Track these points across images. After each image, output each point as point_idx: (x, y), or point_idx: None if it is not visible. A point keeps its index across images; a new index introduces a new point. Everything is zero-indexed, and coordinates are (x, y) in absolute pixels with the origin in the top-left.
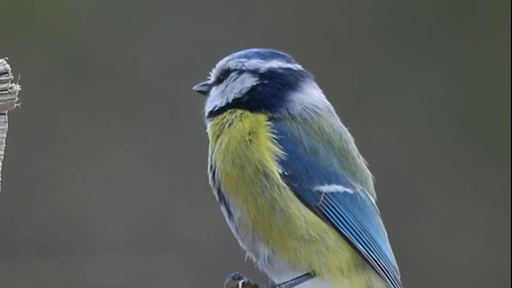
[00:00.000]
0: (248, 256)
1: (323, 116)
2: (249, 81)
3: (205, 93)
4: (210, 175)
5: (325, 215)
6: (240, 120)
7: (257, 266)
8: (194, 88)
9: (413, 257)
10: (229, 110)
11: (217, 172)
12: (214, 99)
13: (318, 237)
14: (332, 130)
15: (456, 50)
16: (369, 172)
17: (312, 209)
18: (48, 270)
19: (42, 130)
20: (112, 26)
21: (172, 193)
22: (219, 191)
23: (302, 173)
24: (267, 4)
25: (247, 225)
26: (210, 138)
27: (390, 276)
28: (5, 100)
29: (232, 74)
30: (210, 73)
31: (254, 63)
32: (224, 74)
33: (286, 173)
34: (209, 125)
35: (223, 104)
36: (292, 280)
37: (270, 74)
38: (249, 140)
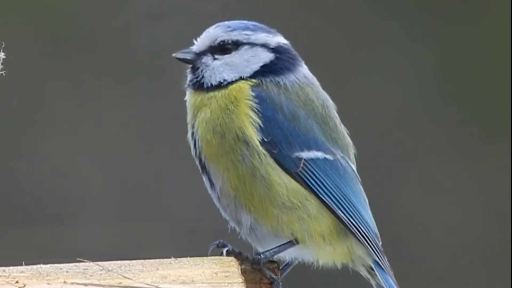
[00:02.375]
0: (231, 227)
1: (309, 85)
2: (265, 56)
3: (191, 61)
4: (191, 144)
5: (305, 182)
6: (226, 90)
7: (241, 235)
8: (175, 55)
9: (394, 221)
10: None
11: (198, 140)
12: (221, 71)
13: (299, 204)
14: (315, 97)
15: (440, 15)
16: (350, 140)
17: (292, 175)
18: (33, 238)
19: (26, 99)
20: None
21: (157, 162)
22: (200, 160)
23: (281, 139)
24: None
25: (229, 194)
26: (190, 107)
27: (371, 242)
28: None
29: (245, 47)
30: (195, 41)
31: (262, 36)
32: (232, 45)
33: (265, 140)
34: (201, 96)
35: (236, 77)
36: (275, 247)
37: (281, 49)
38: (231, 108)
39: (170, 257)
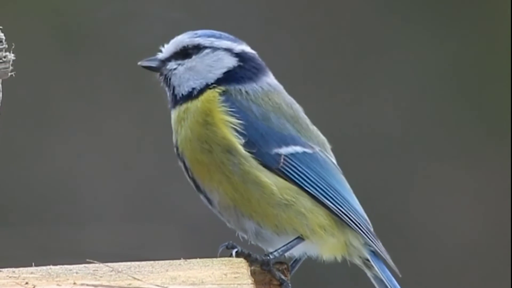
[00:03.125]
0: (239, 235)
1: (273, 91)
2: (229, 60)
3: (156, 69)
4: (182, 166)
5: (289, 177)
6: (197, 102)
7: (250, 242)
8: (140, 63)
9: (404, 224)
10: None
11: (186, 162)
12: (186, 78)
13: (294, 200)
14: (282, 101)
15: (448, 14)
16: (324, 137)
17: (276, 173)
18: (43, 239)
19: (34, 99)
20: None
21: (166, 162)
22: (193, 180)
23: (258, 138)
24: None
25: (228, 206)
26: (174, 124)
27: (362, 228)
28: (0, 69)
29: (206, 50)
30: (161, 49)
31: (225, 42)
32: (192, 50)
33: (244, 141)
34: (178, 110)
35: (202, 84)
36: (283, 246)
37: (245, 56)
38: (210, 121)
39: (179, 258)
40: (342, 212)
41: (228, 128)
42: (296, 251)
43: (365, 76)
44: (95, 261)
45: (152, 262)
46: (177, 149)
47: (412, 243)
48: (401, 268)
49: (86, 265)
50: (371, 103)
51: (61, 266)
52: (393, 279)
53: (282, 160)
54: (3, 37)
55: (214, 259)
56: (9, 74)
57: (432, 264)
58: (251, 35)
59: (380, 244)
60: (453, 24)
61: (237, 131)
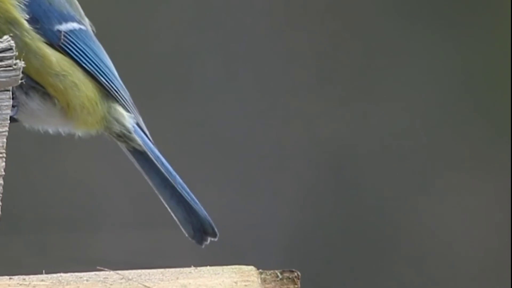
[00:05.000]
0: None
1: None
2: None
3: None
4: None
5: (67, 52)
6: None
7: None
8: None
9: (416, 232)
10: None
11: None
12: None
13: (70, 72)
14: None
15: (462, 23)
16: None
17: (56, 48)
18: (53, 247)
19: None
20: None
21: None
22: None
23: (41, 14)
24: None
25: None
26: None
27: (127, 102)
28: (10, 77)
29: None
30: None
31: None
32: None
33: (28, 17)
34: None
35: None
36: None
37: None
38: None
39: (190, 266)
40: (112, 86)
41: (12, 3)
42: (50, 125)
43: (377, 83)
44: (106, 269)
45: (162, 270)
46: None
47: (424, 251)
48: (413, 276)
49: (97, 272)
50: (385, 109)
51: (71, 273)
52: (155, 150)
53: (62, 36)
54: (13, 45)
55: (225, 267)
56: (19, 81)
57: (444, 273)
58: (264, 36)
59: (141, 118)
60: (468, 30)
61: (20, 7)
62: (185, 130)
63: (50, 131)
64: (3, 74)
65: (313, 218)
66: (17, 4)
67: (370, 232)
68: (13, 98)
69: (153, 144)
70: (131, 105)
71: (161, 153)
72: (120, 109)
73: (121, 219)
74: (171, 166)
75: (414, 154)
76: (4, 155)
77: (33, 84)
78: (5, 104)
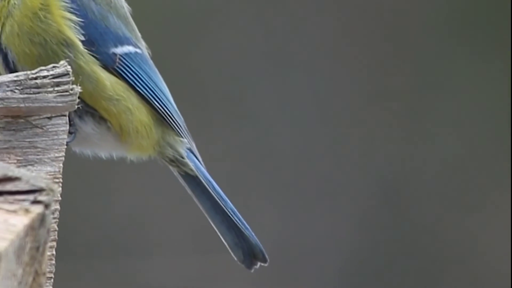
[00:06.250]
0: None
1: None
2: None
3: None
4: None
5: (121, 76)
6: None
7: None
8: None
9: (475, 257)
10: None
11: (10, 54)
12: None
13: (124, 95)
14: (115, 0)
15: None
16: None
17: (111, 71)
18: (108, 272)
19: None
20: (176, 24)
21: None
22: (15, 71)
23: (97, 37)
24: (326, 2)
25: None
26: None
27: (181, 127)
28: (66, 102)
29: None
30: None
31: None
32: None
33: (84, 39)
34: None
35: None
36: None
37: None
38: (43, 15)
39: None
40: (166, 111)
41: (67, 24)
42: (104, 148)
43: (430, 108)
44: None
45: None
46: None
47: (482, 276)
48: None
49: None
50: (436, 132)
51: None
52: (207, 174)
53: (117, 59)
54: (70, 70)
55: None
56: (76, 106)
57: None
58: (320, 58)
59: (194, 145)
60: None
61: (76, 28)
62: (239, 152)
63: (103, 156)
64: (59, 99)
65: (370, 242)
66: (72, 25)
67: (428, 255)
68: (70, 125)
69: (205, 168)
70: (184, 130)
71: (213, 177)
72: (174, 134)
73: (173, 244)
74: (223, 190)
75: (468, 178)
76: (61, 180)
77: (87, 109)
78: (61, 129)
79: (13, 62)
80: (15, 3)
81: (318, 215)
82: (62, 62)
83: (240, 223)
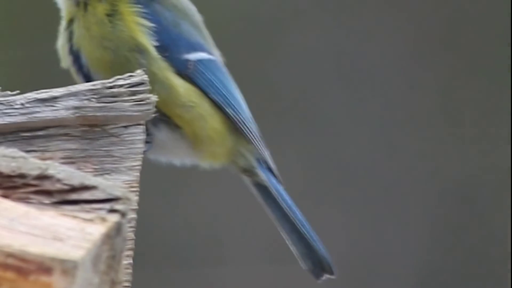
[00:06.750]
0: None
1: None
2: None
3: None
4: (69, 59)
5: (194, 82)
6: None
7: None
8: None
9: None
10: None
11: (83, 58)
12: None
13: (197, 102)
14: (188, 7)
15: None
16: None
17: (183, 77)
18: (180, 282)
19: None
20: (248, 33)
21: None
22: (87, 76)
23: (170, 43)
24: (398, 11)
25: None
26: (65, 19)
27: (254, 136)
28: (142, 111)
29: None
30: None
31: None
32: None
33: (156, 45)
34: (65, 5)
35: None
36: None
37: None
38: (112, 20)
39: None
40: (239, 119)
41: (140, 29)
42: (180, 156)
43: (500, 111)
44: None
45: None
46: (72, 46)
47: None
48: None
49: None
50: (505, 138)
51: None
52: (278, 185)
53: (190, 65)
54: (146, 79)
55: None
56: (152, 115)
57: None
58: (389, 69)
59: (268, 154)
60: None
61: (149, 34)
62: (309, 163)
63: (177, 163)
64: (135, 108)
65: (440, 253)
66: (145, 31)
67: (499, 266)
68: (147, 134)
69: (277, 179)
70: (258, 139)
71: (284, 187)
72: (247, 142)
73: (247, 254)
74: (293, 201)
75: None
76: (138, 189)
77: (161, 116)
78: (137, 138)
79: (86, 66)
80: (86, 8)
81: (387, 225)
82: (138, 71)
83: (309, 235)
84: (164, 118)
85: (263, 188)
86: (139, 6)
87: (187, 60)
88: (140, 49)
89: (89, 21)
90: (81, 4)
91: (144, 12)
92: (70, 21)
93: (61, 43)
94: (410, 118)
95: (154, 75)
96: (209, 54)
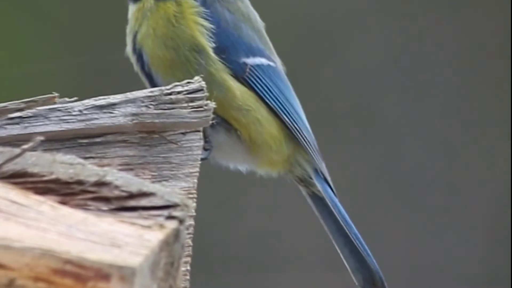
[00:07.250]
0: None
1: (243, 2)
2: None
3: None
4: (133, 58)
5: (251, 87)
6: (162, 2)
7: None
8: None
9: None
10: None
11: (145, 56)
12: None
13: (253, 106)
14: (251, 11)
15: None
16: None
17: (240, 81)
18: (239, 287)
19: None
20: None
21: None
22: (148, 74)
23: (228, 45)
24: (458, 16)
25: None
26: (132, 19)
27: (311, 146)
28: (201, 117)
29: None
30: None
31: None
32: None
33: (215, 45)
34: (133, 8)
35: None
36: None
37: None
38: (176, 20)
39: None
40: (296, 128)
41: (199, 29)
42: (239, 161)
43: None
44: None
45: None
46: (135, 43)
47: None
48: None
49: None
50: None
51: None
52: (334, 197)
53: (248, 69)
54: (204, 85)
55: None
56: (210, 122)
57: None
58: (447, 75)
59: (324, 165)
60: None
61: (207, 35)
62: (366, 173)
63: (234, 167)
64: (194, 115)
65: (503, 262)
66: (204, 31)
67: None
68: (206, 141)
69: (333, 190)
70: (314, 149)
71: (339, 197)
72: (304, 152)
73: (304, 261)
74: (349, 211)
75: None
76: (195, 195)
77: (217, 119)
78: (195, 145)
79: (148, 65)
80: (150, 6)
81: (447, 234)
82: (196, 78)
83: (362, 249)
84: (220, 120)
85: (319, 199)
86: (201, 6)
87: (245, 64)
88: (199, 49)
89: (157, 21)
90: (153, 4)
91: (204, 13)
92: (136, 21)
93: (128, 48)
94: (471, 123)
95: (211, 76)
96: (268, 60)
